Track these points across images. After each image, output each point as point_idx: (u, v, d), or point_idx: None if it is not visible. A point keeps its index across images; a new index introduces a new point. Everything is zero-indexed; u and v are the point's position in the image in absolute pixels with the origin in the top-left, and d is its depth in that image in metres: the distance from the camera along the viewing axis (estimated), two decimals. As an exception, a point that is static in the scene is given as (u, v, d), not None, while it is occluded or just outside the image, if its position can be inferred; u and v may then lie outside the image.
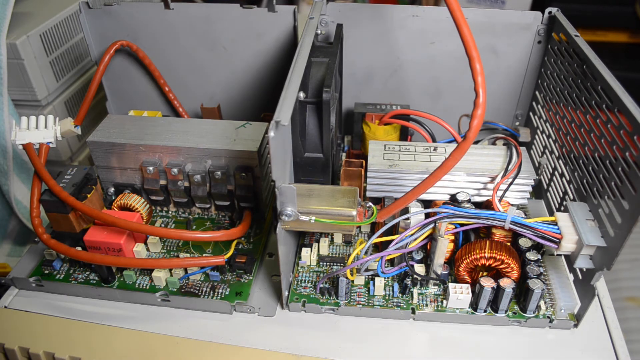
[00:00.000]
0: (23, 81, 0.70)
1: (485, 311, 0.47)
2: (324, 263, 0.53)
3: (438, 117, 0.58)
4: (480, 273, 0.49)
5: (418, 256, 0.50)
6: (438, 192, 0.54)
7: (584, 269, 0.47)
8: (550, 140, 0.59)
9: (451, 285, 0.47)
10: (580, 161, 0.50)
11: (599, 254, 0.43)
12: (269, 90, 0.69)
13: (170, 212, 0.59)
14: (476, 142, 0.60)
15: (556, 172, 0.57)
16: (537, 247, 0.48)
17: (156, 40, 0.66)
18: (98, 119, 0.63)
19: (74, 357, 0.46)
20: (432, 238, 0.48)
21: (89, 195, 0.52)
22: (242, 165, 0.54)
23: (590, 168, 0.48)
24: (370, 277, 0.51)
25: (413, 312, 0.48)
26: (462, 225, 0.48)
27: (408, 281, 0.49)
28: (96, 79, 0.61)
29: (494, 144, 0.61)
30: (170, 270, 0.50)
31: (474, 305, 0.47)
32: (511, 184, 0.52)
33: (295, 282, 0.51)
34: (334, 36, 0.60)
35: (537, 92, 0.65)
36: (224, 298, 0.49)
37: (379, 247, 0.53)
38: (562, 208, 0.55)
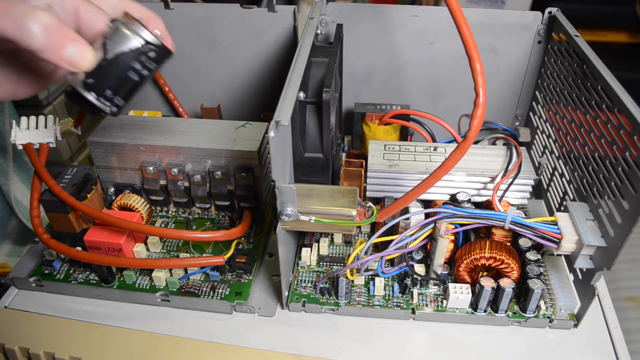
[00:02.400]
0: (23, 81, 0.70)
1: (485, 311, 0.47)
2: (324, 263, 0.53)
3: (438, 117, 0.58)
4: (480, 273, 0.49)
5: (418, 256, 0.51)
6: (438, 192, 0.54)
7: (584, 269, 0.47)
8: (550, 140, 0.59)
9: (451, 285, 0.47)
10: (580, 161, 0.50)
11: (599, 254, 0.43)
12: (269, 90, 0.69)
13: (170, 212, 0.59)
14: (476, 142, 0.60)
15: (556, 172, 0.57)
16: (537, 247, 0.48)
17: (156, 40, 0.66)
18: (98, 119, 0.63)
19: (74, 357, 0.46)
20: (432, 238, 0.48)
21: (89, 195, 0.52)
22: (242, 165, 0.54)
23: (590, 168, 0.48)
24: (370, 277, 0.51)
25: (413, 312, 0.48)
26: (462, 225, 0.48)
27: (408, 281, 0.49)
28: (96, 79, 0.61)
29: (494, 144, 0.61)
30: (170, 270, 0.50)
31: (474, 305, 0.47)
32: (511, 184, 0.52)
33: (295, 282, 0.51)
34: (334, 36, 0.60)
35: (537, 92, 0.65)
36: (224, 298, 0.49)
37: (379, 247, 0.53)
38: (562, 208, 0.55)
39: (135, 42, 0.38)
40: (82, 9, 0.39)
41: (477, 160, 0.54)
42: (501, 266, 0.46)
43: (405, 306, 0.48)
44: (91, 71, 0.38)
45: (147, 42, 0.39)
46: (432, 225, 0.47)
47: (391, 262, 0.52)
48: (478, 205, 0.53)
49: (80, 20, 0.39)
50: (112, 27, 0.39)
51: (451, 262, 0.50)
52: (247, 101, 0.71)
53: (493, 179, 0.53)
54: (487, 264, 0.46)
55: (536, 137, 0.64)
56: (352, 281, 0.50)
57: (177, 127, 0.57)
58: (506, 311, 0.47)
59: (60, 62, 0.36)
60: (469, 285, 0.47)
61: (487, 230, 0.49)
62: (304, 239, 0.55)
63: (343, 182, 0.56)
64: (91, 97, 0.38)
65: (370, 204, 0.46)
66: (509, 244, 0.48)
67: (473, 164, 0.53)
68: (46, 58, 0.36)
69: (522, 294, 0.47)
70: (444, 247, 0.47)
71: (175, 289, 0.50)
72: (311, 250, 0.53)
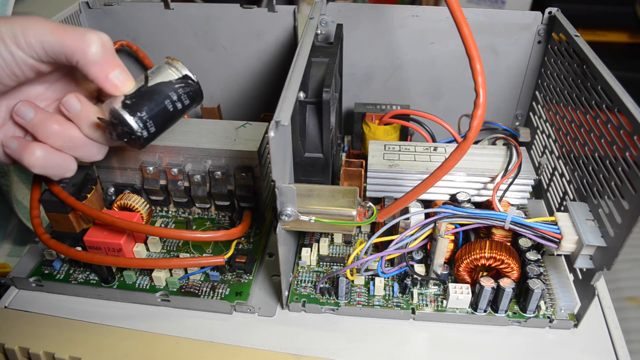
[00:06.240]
0: (23, 81, 0.70)
1: (485, 311, 0.47)
2: (324, 263, 0.53)
3: (438, 117, 0.58)
4: (480, 273, 0.49)
5: (418, 256, 0.51)
6: (438, 192, 0.54)
7: (584, 269, 0.47)
8: (550, 140, 0.59)
9: (451, 285, 0.47)
10: (580, 161, 0.50)
11: (599, 254, 0.43)
12: (269, 90, 0.69)
13: (170, 212, 0.59)
14: (476, 142, 0.60)
15: (556, 172, 0.57)
16: (537, 247, 0.48)
17: (156, 40, 0.66)
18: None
19: (74, 357, 0.46)
20: (432, 238, 0.48)
21: (89, 195, 0.52)
22: (242, 165, 0.54)
23: (590, 168, 0.48)
24: (370, 277, 0.51)
25: (413, 312, 0.48)
26: (462, 225, 0.48)
27: (408, 281, 0.49)
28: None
29: (494, 144, 0.61)
30: (170, 270, 0.50)
31: (474, 305, 0.47)
32: (511, 184, 0.52)
33: (295, 282, 0.51)
34: (334, 36, 0.60)
35: (537, 92, 0.65)
36: (224, 298, 0.49)
37: (379, 247, 0.53)
38: (562, 208, 0.55)
39: (174, 75, 0.44)
40: None
41: (477, 160, 0.54)
42: (501, 266, 0.46)
43: (405, 306, 0.48)
44: (131, 94, 0.41)
45: (186, 76, 0.44)
46: (432, 225, 0.47)
47: (391, 262, 0.52)
48: (478, 205, 0.53)
49: None
50: (156, 66, 0.44)
51: (451, 262, 0.50)
52: (247, 101, 0.71)
53: (493, 179, 0.53)
54: (487, 264, 0.46)
55: (536, 137, 0.64)
56: (352, 281, 0.50)
57: (177, 127, 0.57)
58: (506, 311, 0.47)
59: (105, 81, 0.40)
60: (469, 285, 0.47)
61: (487, 230, 0.49)
62: (304, 239, 0.55)
63: (343, 182, 0.56)
64: (126, 114, 0.41)
65: (370, 204, 0.46)
66: (509, 244, 0.48)
67: (473, 164, 0.53)
68: (94, 75, 0.40)
69: (522, 294, 0.47)
70: (444, 247, 0.47)
71: (175, 289, 0.50)
72: (311, 250, 0.53)
